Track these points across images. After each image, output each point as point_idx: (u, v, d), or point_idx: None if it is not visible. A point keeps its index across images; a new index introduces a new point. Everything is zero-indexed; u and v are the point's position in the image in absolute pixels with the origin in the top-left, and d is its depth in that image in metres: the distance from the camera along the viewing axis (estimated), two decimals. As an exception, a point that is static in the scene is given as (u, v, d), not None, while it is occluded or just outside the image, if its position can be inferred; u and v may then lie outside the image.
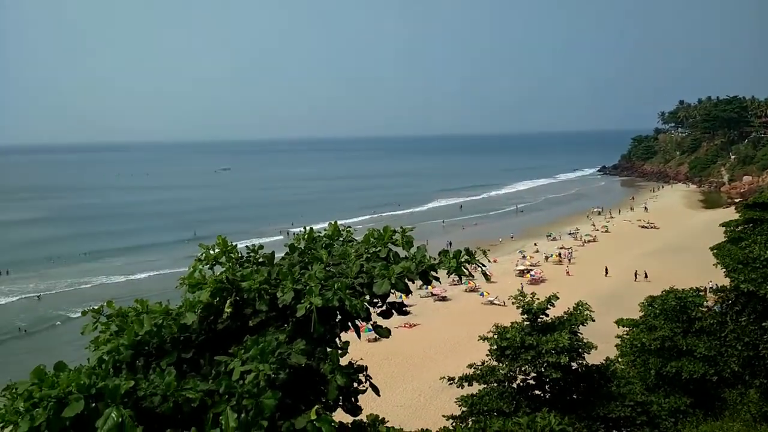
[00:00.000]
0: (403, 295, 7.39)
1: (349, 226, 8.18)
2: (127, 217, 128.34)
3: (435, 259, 6.85)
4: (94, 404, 5.29)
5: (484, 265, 7.07)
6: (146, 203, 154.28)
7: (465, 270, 6.71)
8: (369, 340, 47.78)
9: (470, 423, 17.11)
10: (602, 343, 22.48)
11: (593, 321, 19.52)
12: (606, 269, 71.07)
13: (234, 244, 7.62)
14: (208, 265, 7.33)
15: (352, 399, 6.34)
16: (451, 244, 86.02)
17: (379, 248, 7.09)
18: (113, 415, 5.09)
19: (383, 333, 6.74)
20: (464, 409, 18.91)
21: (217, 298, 6.63)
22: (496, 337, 19.35)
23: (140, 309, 6.73)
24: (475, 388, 19.75)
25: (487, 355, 20.00)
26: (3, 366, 49.16)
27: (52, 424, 5.27)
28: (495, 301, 60.54)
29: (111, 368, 6.27)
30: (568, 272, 73.99)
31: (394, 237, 7.18)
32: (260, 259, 7.60)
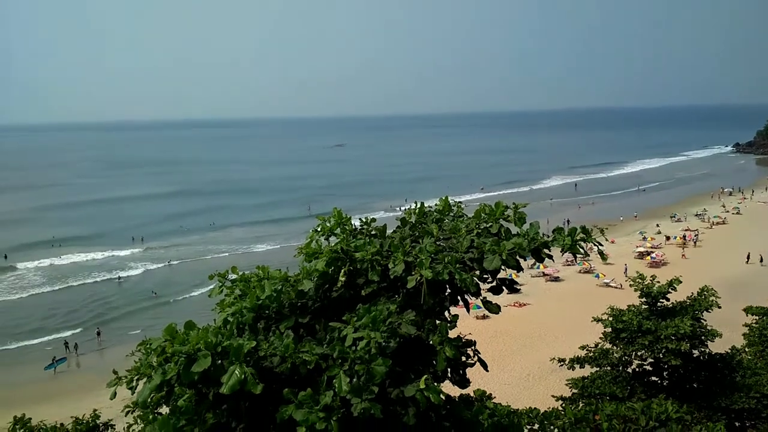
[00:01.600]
0: (513, 273, 7.32)
1: (460, 202, 8.18)
2: (247, 192, 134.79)
3: (548, 236, 6.71)
4: (219, 361, 5.70)
5: (601, 245, 6.84)
6: (264, 179, 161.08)
7: (580, 248, 6.52)
8: (477, 317, 47.67)
9: (581, 405, 16.72)
10: (728, 332, 21.04)
11: (719, 308, 18.30)
12: (748, 255, 65.46)
13: (348, 216, 7.86)
14: (324, 236, 7.62)
15: (461, 371, 6.40)
16: (568, 221, 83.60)
17: (490, 224, 7.05)
18: (237, 372, 5.47)
19: (493, 309, 6.72)
20: (575, 391, 18.47)
21: (332, 268, 6.90)
22: (611, 319, 18.67)
23: (261, 275, 7.15)
24: (587, 371, 19.20)
25: (601, 338, 19.37)
26: (138, 324, 53.96)
27: (182, 377, 5.74)
28: (611, 284, 58.20)
29: (235, 329, 6.72)
30: (683, 255, 69.51)
31: (506, 213, 7.11)
32: (373, 232, 7.78)
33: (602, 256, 7.88)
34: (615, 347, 18.65)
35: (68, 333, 51.39)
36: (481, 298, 6.69)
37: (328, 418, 5.31)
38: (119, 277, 68.30)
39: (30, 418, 14.41)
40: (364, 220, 7.97)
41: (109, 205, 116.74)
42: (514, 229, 7.09)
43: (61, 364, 45.55)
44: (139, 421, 11.42)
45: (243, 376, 5.44)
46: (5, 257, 77.82)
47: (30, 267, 73.06)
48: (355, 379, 5.55)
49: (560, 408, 14.21)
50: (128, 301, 60.42)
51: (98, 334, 51.33)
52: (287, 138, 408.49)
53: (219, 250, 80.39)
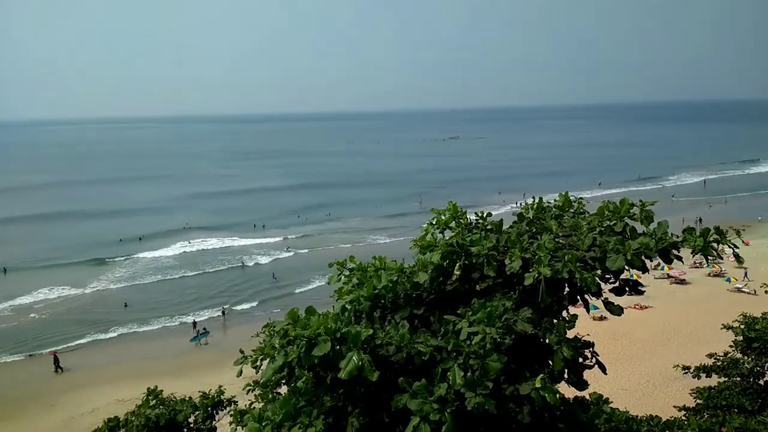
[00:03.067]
0: (635, 274, 6.98)
1: (580, 198, 7.92)
2: (361, 185, 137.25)
3: (678, 236, 6.35)
4: (338, 347, 5.92)
5: (737, 247, 6.38)
6: (378, 171, 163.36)
7: (713, 250, 6.13)
8: (594, 318, 45.87)
9: (706, 416, 15.68)
10: None
11: None
12: None
13: (464, 210, 7.84)
14: (439, 229, 7.65)
15: (578, 373, 6.23)
16: (700, 220, 78.31)
17: (614, 222, 6.78)
18: (354, 358, 5.65)
19: (615, 310, 6.47)
20: (700, 401, 17.35)
21: (447, 261, 6.92)
22: (743, 327, 17.34)
23: (378, 265, 7.32)
24: (713, 380, 17.97)
25: (731, 346, 18.04)
26: (258, 307, 56.94)
27: (303, 360, 6.00)
28: (743, 289, 53.91)
29: (352, 316, 6.95)
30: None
31: (631, 210, 6.81)
32: (488, 226, 7.71)
33: (738, 259, 7.35)
34: (746, 357, 17.32)
35: (199, 314, 54.94)
36: (602, 298, 6.47)
37: (443, 410, 5.36)
38: (243, 264, 72.18)
39: (161, 390, 15.67)
40: (479, 214, 7.91)
41: (236, 196, 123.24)
42: (639, 228, 6.78)
43: (205, 337, 49.13)
44: (259, 399, 12.09)
45: (360, 363, 5.61)
46: (140, 239, 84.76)
47: (164, 252, 78.76)
48: (469, 373, 5.56)
49: (683, 418, 13.43)
50: (251, 286, 63.76)
51: (223, 314, 54.67)
52: (401, 130, 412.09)
53: (334, 241, 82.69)
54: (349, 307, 7.17)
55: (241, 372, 7.43)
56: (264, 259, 74.15)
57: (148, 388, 15.45)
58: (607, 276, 6.51)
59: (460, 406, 5.50)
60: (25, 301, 58.48)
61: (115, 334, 51.06)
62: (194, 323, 51.70)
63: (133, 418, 14.09)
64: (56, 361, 44.15)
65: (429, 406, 5.39)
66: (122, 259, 74.32)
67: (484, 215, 7.85)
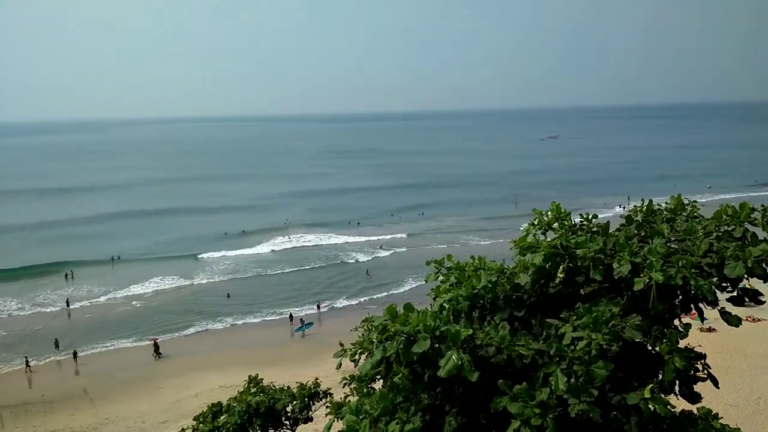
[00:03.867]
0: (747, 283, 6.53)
1: (694, 201, 7.51)
2: (456, 185, 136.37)
3: (806, 244, 5.88)
4: (437, 345, 5.92)
5: None
6: (473, 171, 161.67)
7: None
8: (702, 330, 43.24)
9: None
10: None
11: None
12: None
13: (567, 211, 7.62)
14: (541, 230, 7.48)
15: (690, 385, 5.90)
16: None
17: (732, 227, 6.37)
18: (454, 357, 5.63)
19: (733, 321, 6.08)
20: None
21: (550, 263, 6.75)
22: None
23: (477, 265, 7.25)
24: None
25: None
26: (353, 301, 58.01)
27: (402, 356, 6.04)
28: None
29: (450, 315, 6.92)
30: None
31: (752, 215, 6.37)
32: (594, 229, 7.47)
33: None
34: None
35: (296, 308, 56.57)
36: (718, 308, 6.09)
37: (544, 415, 5.24)
38: (339, 261, 73.73)
39: (262, 378, 16.32)
40: (584, 216, 7.67)
41: (332, 195, 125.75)
42: (761, 235, 6.33)
43: (309, 328, 50.85)
44: (354, 393, 12.28)
45: (460, 362, 5.59)
46: (243, 232, 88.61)
47: (265, 248, 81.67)
48: (573, 380, 5.40)
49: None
50: (345, 282, 65.01)
51: (318, 308, 56.10)
52: (496, 129, 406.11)
53: (428, 241, 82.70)
54: (447, 306, 7.15)
55: (340, 365, 7.60)
56: (359, 257, 75.35)
57: (249, 376, 16.15)
58: (725, 284, 6.13)
59: (562, 413, 5.36)
60: (138, 290, 62.43)
61: (219, 324, 53.49)
62: (291, 316, 53.35)
63: (234, 404, 14.77)
64: (156, 347, 46.86)
65: (530, 410, 5.28)
66: (226, 253, 77.66)
67: (589, 217, 7.60)
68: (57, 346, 47.38)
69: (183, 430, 14.82)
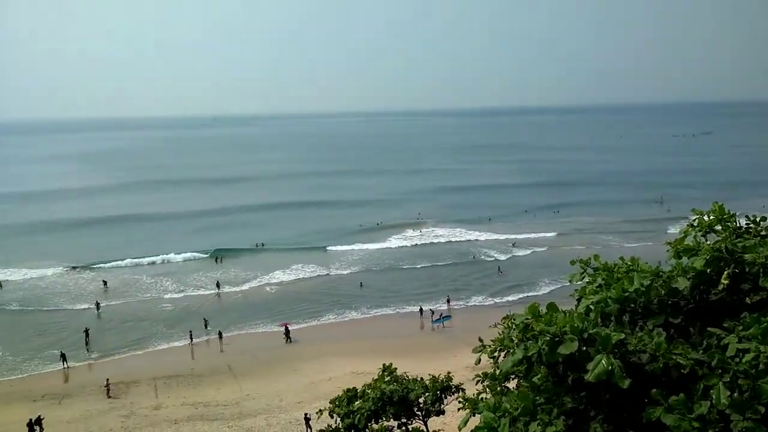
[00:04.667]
0: None
1: None
2: (597, 184, 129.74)
3: None
4: (585, 348, 5.69)
5: None
6: (616, 170, 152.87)
7: None
8: None
9: None
10: None
11: None
12: None
13: (732, 212, 7.04)
14: (701, 232, 6.97)
15: None
16: None
17: None
18: (604, 362, 5.38)
19: None
20: None
21: (712, 268, 6.26)
22: None
23: (630, 266, 6.88)
24: None
25: None
26: (486, 299, 57.49)
27: (546, 357, 5.88)
28: None
29: (598, 318, 6.62)
30: None
31: None
32: (762, 232, 6.83)
33: None
34: None
35: (427, 302, 57.03)
36: None
37: (703, 430, 4.88)
38: (473, 257, 73.33)
39: (395, 368, 16.66)
40: (751, 217, 7.04)
41: (468, 191, 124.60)
42: None
43: (447, 321, 51.48)
44: (488, 390, 12.14)
45: (610, 367, 5.34)
46: (377, 224, 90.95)
47: (399, 242, 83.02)
48: (736, 394, 4.98)
49: None
50: (477, 279, 64.57)
51: (448, 302, 56.22)
52: (640, 125, 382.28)
53: (566, 241, 79.77)
54: (593, 308, 6.86)
55: (479, 360, 7.55)
56: (492, 254, 74.44)
57: (383, 365, 16.54)
58: None
59: (723, 428, 4.96)
60: (280, 277, 65.95)
61: (352, 313, 55.25)
62: (421, 309, 53.85)
63: (369, 391, 15.19)
64: (287, 332, 49.23)
65: (688, 423, 4.93)
66: (361, 245, 79.68)
67: (758, 219, 6.97)
68: (206, 325, 51.30)
69: (320, 411, 15.51)
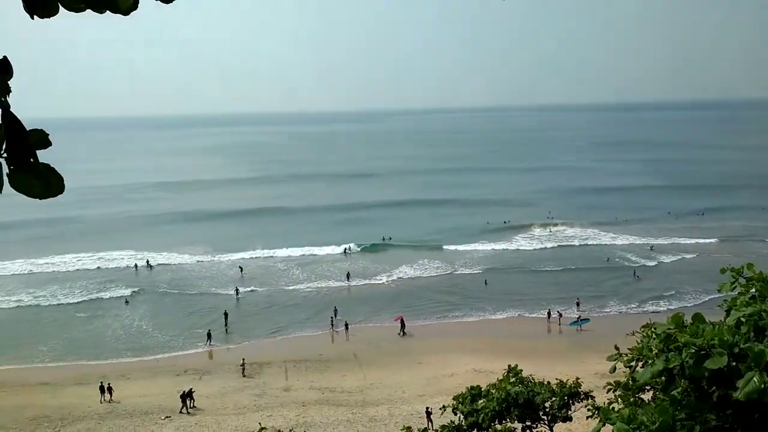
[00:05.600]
0: None
1: None
2: (752, 187, 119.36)
3: None
4: (734, 363, 5.31)
5: None
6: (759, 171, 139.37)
7: None
8: None
9: None
10: None
11: None
12: None
13: None
14: None
15: None
16: None
17: None
18: (756, 380, 5.00)
19: None
20: None
21: None
22: None
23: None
24: None
25: None
26: (618, 305, 54.88)
27: (691, 370, 5.55)
28: None
29: (751, 332, 6.14)
30: None
31: None
32: None
33: None
34: None
35: (556, 304, 54.96)
36: None
37: None
38: (607, 260, 70.22)
39: (521, 370, 16.37)
40: None
41: (600, 190, 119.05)
42: None
43: (586, 323, 50.15)
44: (619, 400, 11.67)
45: (762, 386, 4.95)
46: (505, 222, 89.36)
47: (527, 241, 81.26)
48: None
49: None
50: (610, 283, 61.76)
51: (577, 305, 54.22)
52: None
53: (708, 249, 73.96)
54: (745, 321, 6.37)
55: (614, 368, 7.28)
56: (628, 258, 70.73)
57: (509, 366, 16.31)
58: None
59: None
60: (407, 271, 66.85)
61: (475, 311, 54.91)
62: (549, 313, 52.24)
63: (493, 391, 15.04)
64: (402, 326, 49.70)
65: None
66: (487, 245, 78.56)
67: None
68: (335, 315, 53.16)
69: (444, 407, 15.60)
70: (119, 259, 73.46)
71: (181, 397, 35.91)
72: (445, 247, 77.91)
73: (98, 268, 70.35)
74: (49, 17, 2.68)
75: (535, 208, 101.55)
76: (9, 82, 2.26)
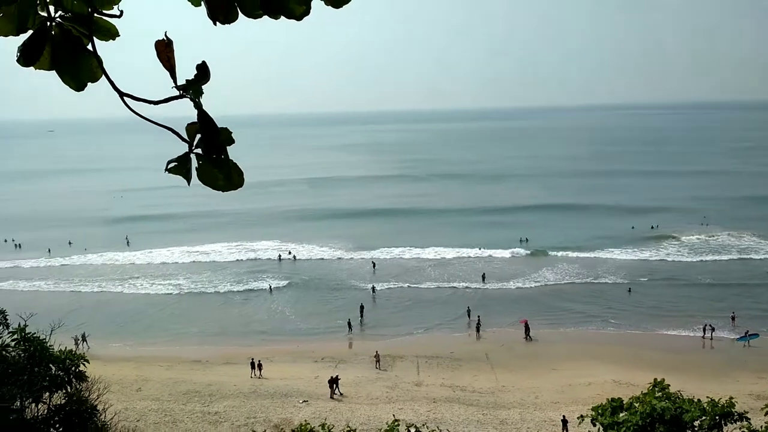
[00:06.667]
0: None
1: None
2: None
3: None
4: None
5: None
6: None
7: None
8: None
9: None
10: None
11: None
12: None
13: None
14: None
15: None
16: None
17: None
18: None
19: None
20: None
21: None
22: None
23: None
24: None
25: None
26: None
27: None
28: None
29: None
30: None
31: None
32: None
33: None
34: None
35: (710, 318, 50.76)
36: None
37: None
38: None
39: (668, 384, 15.32)
40: None
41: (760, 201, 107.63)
42: None
43: (754, 339, 46.56)
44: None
45: None
46: (652, 227, 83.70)
47: (676, 251, 75.00)
48: None
49: None
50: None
51: (732, 319, 49.86)
52: None
53: None
54: None
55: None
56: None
57: (655, 379, 15.33)
58: None
59: None
60: (547, 276, 65.05)
61: (618, 319, 52.28)
62: (704, 328, 48.02)
63: (637, 404, 14.23)
64: (527, 329, 48.45)
65: None
66: (634, 251, 73.96)
67: None
68: (469, 314, 52.88)
69: (582, 416, 15.02)
70: (264, 250, 78.36)
71: (329, 382, 37.62)
72: (585, 253, 73.81)
73: (245, 259, 75.12)
74: (229, 23, 2.96)
75: (686, 213, 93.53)
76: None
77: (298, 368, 42.90)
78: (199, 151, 2.53)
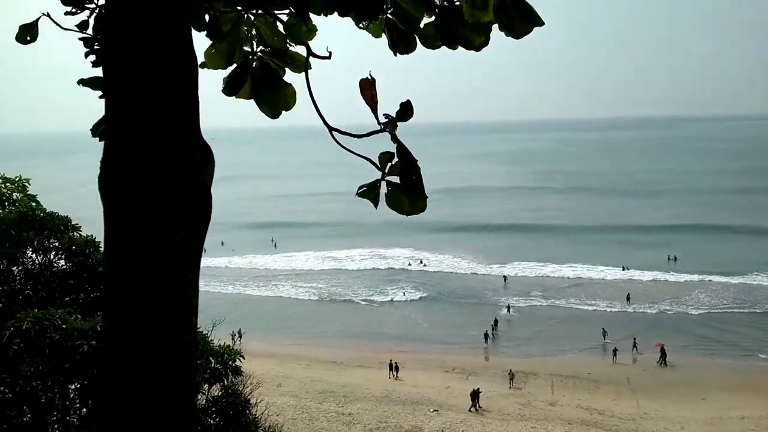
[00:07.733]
0: None
1: None
2: None
3: None
4: None
5: None
6: None
7: None
8: None
9: None
10: None
11: None
12: None
13: None
14: None
15: None
16: None
17: None
18: None
19: None
20: None
21: None
22: None
23: None
24: None
25: None
26: None
27: None
28: None
29: None
30: None
31: None
32: None
33: None
34: None
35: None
36: None
37: None
38: None
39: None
40: None
41: None
42: None
43: None
44: None
45: None
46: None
47: None
48: None
49: None
50: None
51: None
52: None
53: None
54: None
55: None
56: None
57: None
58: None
59: None
60: (699, 299, 60.72)
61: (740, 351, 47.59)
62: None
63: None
64: (663, 354, 45.28)
65: None
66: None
67: None
68: (605, 336, 50.36)
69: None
70: (397, 258, 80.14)
71: (471, 395, 37.32)
72: (743, 278, 66.63)
73: (382, 268, 76.89)
74: (408, 54, 3.26)
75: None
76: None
77: (429, 377, 43.26)
78: (390, 178, 2.84)
